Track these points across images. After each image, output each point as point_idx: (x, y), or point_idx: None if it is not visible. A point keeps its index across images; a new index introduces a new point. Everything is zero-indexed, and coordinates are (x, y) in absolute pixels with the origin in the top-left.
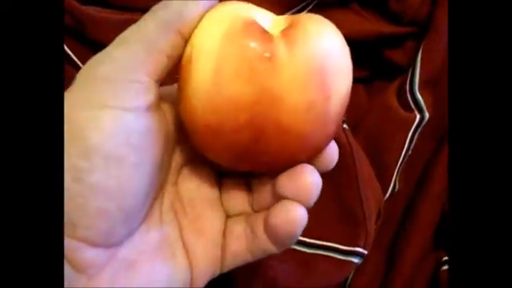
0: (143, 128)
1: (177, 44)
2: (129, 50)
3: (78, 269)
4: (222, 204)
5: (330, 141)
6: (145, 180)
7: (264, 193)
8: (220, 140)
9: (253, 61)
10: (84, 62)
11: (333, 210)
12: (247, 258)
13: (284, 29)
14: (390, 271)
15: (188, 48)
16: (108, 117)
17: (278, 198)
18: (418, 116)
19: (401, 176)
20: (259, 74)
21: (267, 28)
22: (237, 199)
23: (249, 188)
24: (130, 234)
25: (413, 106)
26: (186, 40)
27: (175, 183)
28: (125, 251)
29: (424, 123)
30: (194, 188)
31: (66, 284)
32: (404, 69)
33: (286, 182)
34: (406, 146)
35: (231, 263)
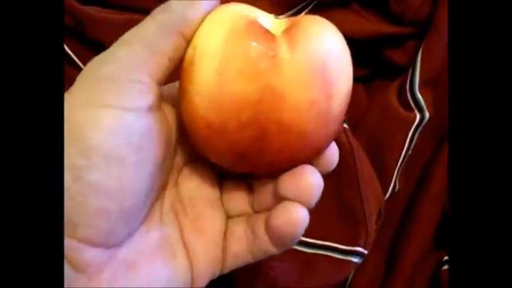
0: (144, 128)
1: (179, 46)
2: (130, 50)
3: (78, 268)
4: (222, 204)
5: (331, 141)
6: (146, 181)
7: (265, 194)
8: (222, 139)
9: (256, 60)
10: (84, 62)
11: (333, 210)
12: (248, 259)
13: (286, 29)
14: (390, 271)
15: (190, 50)
16: (108, 117)
17: (279, 199)
18: (418, 116)
19: (402, 175)
20: (262, 73)
21: (268, 29)
22: (238, 200)
23: (249, 189)
24: (130, 234)
25: (413, 105)
26: (188, 42)
27: (176, 183)
28: (125, 251)
29: (424, 122)
30: (195, 188)
31: (66, 283)
32: (405, 69)
33: (287, 182)
34: (406, 145)
35: (232, 263)
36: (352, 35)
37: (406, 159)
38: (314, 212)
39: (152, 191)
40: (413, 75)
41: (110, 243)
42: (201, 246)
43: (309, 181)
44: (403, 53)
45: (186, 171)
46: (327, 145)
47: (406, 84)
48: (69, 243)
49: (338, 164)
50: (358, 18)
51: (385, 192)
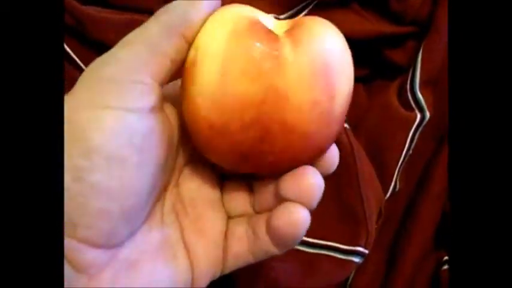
0: (146, 129)
1: (181, 48)
2: (132, 51)
3: (79, 269)
4: (223, 205)
5: (333, 142)
6: (148, 181)
7: (266, 194)
8: (225, 140)
9: (259, 60)
10: (84, 61)
11: (333, 210)
12: (249, 259)
13: (288, 30)
14: (391, 271)
15: (192, 52)
16: (110, 118)
17: (280, 200)
18: (418, 116)
19: (402, 175)
20: (265, 73)
21: (271, 29)
22: (239, 200)
23: (250, 189)
24: (131, 234)
25: (414, 105)
26: (190, 44)
27: (177, 184)
28: (126, 251)
29: (424, 122)
30: (195, 188)
31: (66, 283)
32: (405, 69)
33: (288, 183)
34: (406, 145)
35: (233, 264)
36: (352, 35)
37: (406, 159)
38: (314, 212)
39: (154, 192)
40: (413, 75)
41: (111, 244)
42: (202, 247)
43: (310, 182)
44: (403, 53)
45: (186, 172)
46: (329, 145)
47: (406, 84)
48: (69, 243)
49: (338, 164)
50: (358, 18)
51: (385, 192)
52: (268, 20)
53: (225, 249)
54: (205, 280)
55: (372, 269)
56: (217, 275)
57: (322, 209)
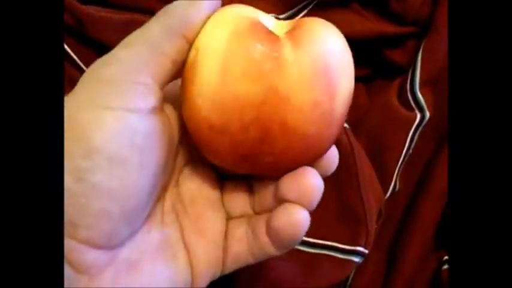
0: (147, 130)
1: (182, 49)
2: (133, 52)
3: (79, 269)
4: (223, 205)
5: (333, 143)
6: (149, 182)
7: (266, 195)
8: (225, 140)
9: (260, 61)
10: (84, 61)
11: (333, 210)
12: (249, 260)
13: (289, 30)
14: (391, 271)
15: (192, 52)
16: (111, 118)
17: (280, 200)
18: (418, 115)
19: (402, 175)
20: (266, 74)
21: (271, 30)
22: (239, 200)
23: (250, 190)
24: (132, 234)
25: (414, 105)
26: (191, 44)
27: (177, 184)
28: (127, 252)
29: (424, 122)
30: (195, 188)
31: (66, 284)
32: (405, 69)
33: (288, 184)
34: (406, 145)
35: (233, 264)
36: (352, 35)
37: (406, 159)
38: (314, 212)
39: (154, 192)
40: (413, 75)
41: (112, 245)
42: (202, 247)
43: (310, 183)
44: (403, 53)
45: (186, 172)
46: (329, 146)
47: (406, 84)
48: (70, 244)
49: (338, 164)
50: (359, 18)
51: (385, 192)
52: (268, 20)
53: (225, 249)
54: (205, 280)
55: (372, 269)
56: (217, 275)
57: (322, 209)
